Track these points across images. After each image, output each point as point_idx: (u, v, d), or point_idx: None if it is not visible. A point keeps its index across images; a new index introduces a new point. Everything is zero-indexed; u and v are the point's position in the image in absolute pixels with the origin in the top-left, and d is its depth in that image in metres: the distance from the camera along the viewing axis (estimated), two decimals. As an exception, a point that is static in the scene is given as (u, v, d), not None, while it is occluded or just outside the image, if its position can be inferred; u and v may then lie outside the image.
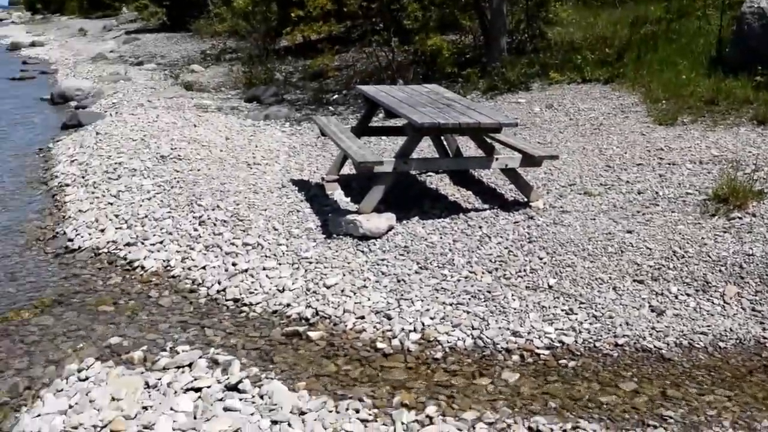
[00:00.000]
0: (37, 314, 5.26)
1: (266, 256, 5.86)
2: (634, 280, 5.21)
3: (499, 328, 4.73)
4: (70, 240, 6.72)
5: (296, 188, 7.49)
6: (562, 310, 4.90)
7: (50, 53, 28.32)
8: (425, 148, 8.25)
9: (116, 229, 6.78)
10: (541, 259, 5.54)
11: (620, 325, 4.72)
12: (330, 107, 12.02)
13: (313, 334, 4.79)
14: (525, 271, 5.41)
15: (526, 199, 6.67)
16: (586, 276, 5.28)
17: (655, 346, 4.52)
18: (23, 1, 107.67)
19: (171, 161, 8.51)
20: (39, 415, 3.89)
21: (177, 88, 14.68)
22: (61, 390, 4.16)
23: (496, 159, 6.59)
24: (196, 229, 6.49)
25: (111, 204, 7.38)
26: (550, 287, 5.18)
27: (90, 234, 6.76)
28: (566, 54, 12.05)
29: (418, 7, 12.83)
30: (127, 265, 6.11)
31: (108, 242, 6.55)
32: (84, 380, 4.25)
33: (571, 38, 13.01)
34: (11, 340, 4.87)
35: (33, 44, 33.20)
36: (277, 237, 6.19)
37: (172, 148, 8.98)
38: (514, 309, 4.93)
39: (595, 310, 4.88)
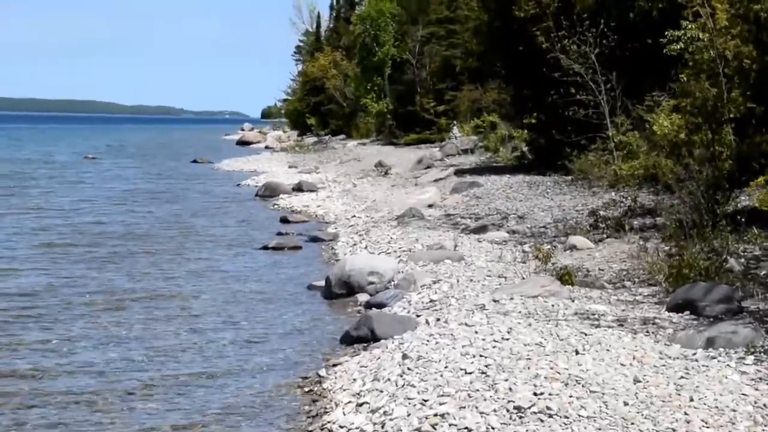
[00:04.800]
0: None
1: None
2: None
3: None
4: None
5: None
6: None
7: (326, 204, 30.54)
8: None
9: None
10: None
11: None
12: (837, 330, 11.77)
13: None
14: None
15: None
16: None
17: None
18: (285, 113, 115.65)
19: (534, 418, 8.74)
20: None
21: (545, 279, 15.18)
22: None
23: None
24: None
25: (425, 493, 7.73)
26: None
27: None
28: None
29: None
30: None
31: None
32: None
33: None
34: None
35: (299, 188, 36.26)
36: None
37: (535, 394, 9.21)
38: None
39: None
